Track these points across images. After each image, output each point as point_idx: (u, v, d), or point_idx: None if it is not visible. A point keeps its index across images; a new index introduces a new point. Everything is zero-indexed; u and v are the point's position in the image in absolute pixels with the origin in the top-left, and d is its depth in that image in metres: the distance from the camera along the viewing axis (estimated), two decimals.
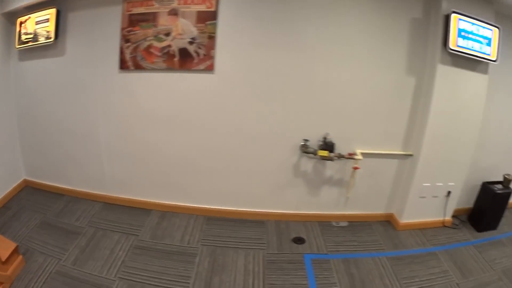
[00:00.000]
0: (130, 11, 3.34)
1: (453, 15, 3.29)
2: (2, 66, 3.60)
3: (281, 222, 3.85)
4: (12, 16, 3.54)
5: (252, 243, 3.50)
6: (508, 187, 4.22)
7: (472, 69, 3.55)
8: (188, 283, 2.94)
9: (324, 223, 3.95)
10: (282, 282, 3.06)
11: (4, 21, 3.53)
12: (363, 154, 3.66)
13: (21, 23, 3.53)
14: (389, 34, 3.43)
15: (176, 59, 3.36)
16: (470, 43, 3.41)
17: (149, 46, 3.37)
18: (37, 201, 3.90)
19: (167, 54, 3.36)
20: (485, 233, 4.23)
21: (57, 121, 3.71)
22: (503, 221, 4.44)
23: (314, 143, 3.60)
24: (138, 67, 3.42)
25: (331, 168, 3.77)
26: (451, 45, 3.33)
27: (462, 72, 3.52)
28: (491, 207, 4.17)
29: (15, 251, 2.89)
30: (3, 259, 2.73)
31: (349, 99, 3.56)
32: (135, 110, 3.52)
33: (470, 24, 3.40)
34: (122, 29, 3.36)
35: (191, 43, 3.31)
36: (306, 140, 3.57)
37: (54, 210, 3.75)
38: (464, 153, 3.86)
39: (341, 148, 3.63)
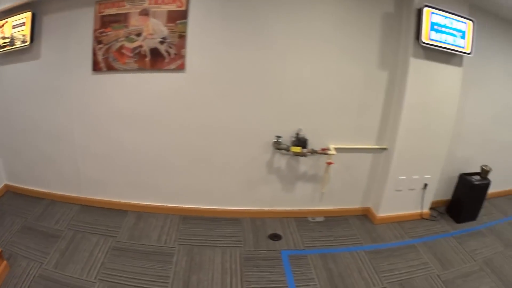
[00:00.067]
0: (102, 12, 3.28)
1: (425, 9, 3.27)
2: None
3: (257, 219, 3.80)
4: None
5: (229, 241, 3.44)
6: (486, 178, 4.20)
7: (446, 62, 3.52)
8: (167, 282, 2.89)
9: (300, 219, 3.90)
10: (260, 279, 3.01)
11: None
12: (336, 149, 3.62)
13: None
14: (360, 29, 3.40)
15: (147, 59, 3.30)
16: (443, 36, 3.38)
17: (121, 47, 3.31)
18: (18, 205, 3.82)
19: (138, 55, 3.30)
20: (464, 224, 4.22)
21: (34, 125, 3.64)
22: (483, 211, 4.43)
23: (287, 139, 3.56)
24: (110, 68, 3.36)
25: (305, 164, 3.72)
26: (424, 38, 3.30)
27: (435, 65, 3.49)
28: (470, 198, 4.15)
29: (0, 257, 2.83)
30: None
31: (321, 94, 3.51)
32: (109, 111, 3.46)
33: (443, 17, 3.37)
34: (95, 30, 3.29)
35: (162, 42, 3.25)
36: (278, 137, 3.52)
37: (35, 214, 3.68)
38: (440, 146, 3.84)
39: (314, 143, 3.59)
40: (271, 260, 3.25)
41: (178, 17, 3.21)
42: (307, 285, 3.02)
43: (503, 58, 4.19)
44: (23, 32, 3.31)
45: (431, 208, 4.24)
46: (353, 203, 4.06)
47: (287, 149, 3.50)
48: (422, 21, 3.27)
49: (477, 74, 3.99)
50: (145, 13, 3.22)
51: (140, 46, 3.28)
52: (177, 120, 3.44)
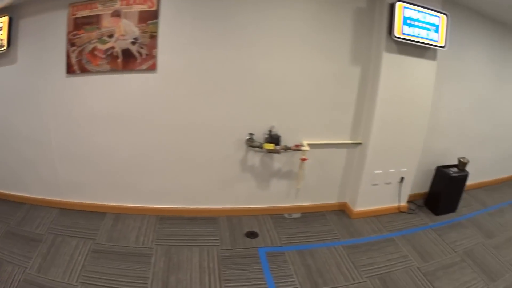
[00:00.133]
0: (75, 14, 3.20)
1: (398, 4, 3.24)
2: None
3: (233, 218, 3.73)
4: None
5: (206, 240, 3.37)
6: (463, 170, 4.15)
7: (420, 55, 3.49)
8: (146, 283, 2.82)
9: (276, 216, 3.83)
10: (238, 277, 2.94)
11: None
12: (310, 145, 3.56)
13: None
14: (333, 25, 3.36)
15: (119, 60, 3.22)
16: (416, 31, 3.35)
17: (94, 49, 3.23)
18: (1, 211, 3.72)
19: (111, 56, 3.22)
20: (443, 216, 4.18)
21: (12, 129, 3.55)
22: (462, 203, 4.39)
23: (260, 136, 3.49)
24: (84, 71, 3.28)
25: (279, 161, 3.66)
26: (396, 33, 3.27)
27: (409, 59, 3.47)
28: (448, 190, 4.10)
29: None
30: None
31: (293, 91, 3.46)
32: (84, 114, 3.38)
33: (416, 12, 3.33)
34: (68, 33, 3.21)
35: (133, 43, 3.18)
36: (251, 134, 3.45)
37: (16, 219, 3.59)
38: (415, 139, 3.80)
39: (287, 140, 3.53)
40: (248, 258, 3.18)
41: (149, 18, 3.14)
42: (286, 281, 2.95)
43: (478, 51, 4.18)
44: (1, 37, 3.22)
45: (409, 201, 4.20)
46: (330, 199, 4.00)
47: (260, 147, 3.43)
48: (394, 16, 3.23)
49: (453, 67, 3.97)
50: (116, 14, 3.15)
51: (112, 47, 3.21)
52: (150, 121, 3.37)
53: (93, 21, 3.18)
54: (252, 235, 3.46)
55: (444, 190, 4.10)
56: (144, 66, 3.22)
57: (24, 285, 2.73)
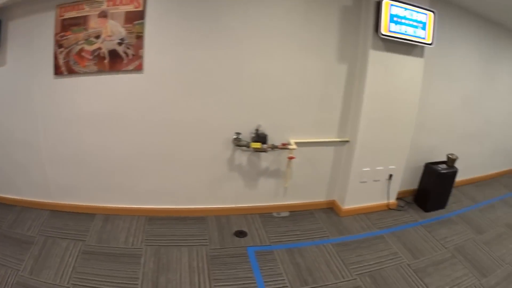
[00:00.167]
0: (63, 16, 3.14)
1: (384, 1, 3.19)
2: None
3: (221, 217, 3.67)
4: None
5: (195, 240, 3.31)
6: (452, 166, 4.11)
7: (407, 53, 3.45)
8: (137, 284, 2.77)
9: (265, 215, 3.78)
10: (228, 277, 2.89)
11: None
12: (297, 143, 3.52)
13: None
14: (319, 23, 3.32)
15: (106, 61, 3.16)
16: (403, 28, 3.31)
17: (81, 50, 3.17)
18: None
19: (97, 57, 3.16)
20: (433, 212, 4.13)
21: (3, 131, 3.49)
22: (452, 199, 4.35)
23: (247, 135, 3.44)
24: (71, 72, 3.22)
25: (266, 160, 3.61)
26: (383, 30, 3.23)
27: (396, 56, 3.43)
28: (437, 187, 4.07)
29: None
30: None
31: (281, 90, 3.41)
32: (72, 115, 3.32)
33: (403, 9, 3.29)
34: (56, 34, 3.15)
35: (120, 44, 3.13)
36: (238, 133, 3.40)
37: (8, 221, 3.52)
38: (403, 136, 3.76)
39: (274, 139, 3.48)
40: (237, 257, 3.13)
41: (136, 18, 3.08)
42: (275, 280, 2.90)
43: (466, 48, 4.16)
44: None
45: (398, 198, 4.16)
46: (318, 197, 3.95)
47: (247, 146, 3.37)
48: (381, 13, 3.18)
49: (441, 64, 3.95)
50: (103, 15, 3.09)
51: (99, 48, 3.15)
52: (137, 121, 3.31)
53: (80, 22, 3.12)
54: (241, 234, 3.40)
55: (433, 186, 4.06)
56: (130, 67, 3.16)
57: None
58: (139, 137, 3.36)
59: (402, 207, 4.16)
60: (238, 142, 3.38)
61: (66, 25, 3.13)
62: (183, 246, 3.22)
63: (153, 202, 3.58)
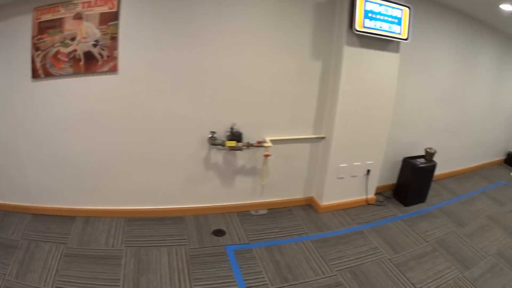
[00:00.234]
0: (39, 18, 3.02)
1: None
2: None
3: (200, 216, 3.55)
4: None
5: (174, 240, 3.19)
6: (431, 160, 3.99)
7: (382, 48, 3.36)
8: (118, 285, 2.66)
9: (243, 213, 3.65)
10: (208, 276, 2.78)
11: None
12: (273, 141, 3.42)
13: None
14: (292, 21, 3.22)
15: (81, 63, 3.05)
16: (378, 24, 3.19)
17: (57, 53, 3.06)
18: None
19: (73, 59, 3.05)
20: (413, 206, 4.01)
21: None
22: (432, 193, 4.24)
23: (222, 134, 3.33)
24: (48, 75, 3.10)
25: (242, 158, 3.50)
26: (357, 26, 3.12)
27: (371, 52, 3.35)
28: (416, 181, 3.95)
29: None
30: None
31: (255, 88, 3.31)
32: (50, 118, 3.19)
33: (378, 5, 3.19)
34: (33, 37, 3.03)
35: (95, 45, 3.01)
36: (213, 132, 3.28)
37: None
38: (380, 131, 3.67)
39: (249, 137, 3.37)
40: (216, 256, 3.01)
41: (110, 19, 2.97)
42: (255, 278, 2.79)
43: (444, 42, 4.08)
44: None
45: (377, 193, 4.05)
46: (296, 194, 3.85)
47: (223, 144, 3.26)
48: (355, 10, 3.07)
49: (418, 59, 3.87)
50: (78, 17, 2.98)
51: (75, 50, 3.04)
52: (113, 122, 3.19)
53: (56, 24, 3.00)
54: (219, 233, 3.29)
55: (412, 181, 3.95)
56: (105, 68, 3.05)
57: None
58: (115, 138, 3.23)
59: (382, 202, 4.04)
60: (213, 141, 3.26)
61: (42, 28, 3.01)
62: (163, 247, 3.10)
63: (132, 203, 3.46)
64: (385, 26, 3.23)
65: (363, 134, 3.61)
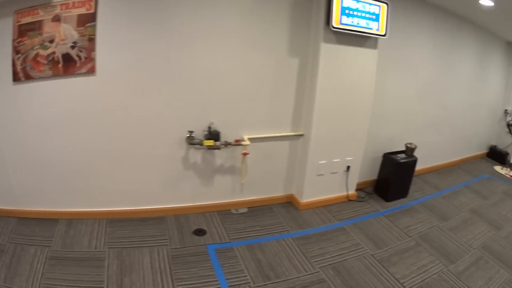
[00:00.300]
0: (20, 21, 2.91)
1: None
2: None
3: (180, 216, 3.41)
4: None
5: (155, 240, 3.06)
6: (412, 155, 3.86)
7: (360, 45, 3.25)
8: (103, 287, 2.55)
9: (223, 212, 3.53)
10: (190, 276, 2.66)
11: None
12: (251, 139, 3.31)
13: None
14: (268, 18, 3.12)
15: (60, 65, 2.93)
16: (355, 20, 3.07)
17: (36, 55, 2.94)
18: None
19: (52, 61, 2.93)
20: (395, 202, 3.89)
21: None
22: (414, 188, 4.12)
23: (200, 133, 3.21)
24: (28, 78, 2.98)
25: (221, 157, 3.38)
26: (334, 23, 3.00)
27: (348, 48, 3.26)
28: (396, 176, 3.84)
29: None
30: None
31: (231, 87, 3.20)
32: (31, 121, 3.06)
33: (355, 1, 3.08)
34: (13, 40, 2.92)
35: (73, 47, 2.90)
36: (191, 132, 3.16)
37: None
38: (359, 127, 3.58)
39: (227, 135, 3.25)
40: (198, 255, 2.90)
41: (88, 20, 2.86)
42: (237, 277, 2.68)
43: (423, 38, 3.98)
44: None
45: (358, 189, 3.93)
46: (276, 191, 3.73)
47: (201, 144, 3.15)
48: (332, 6, 2.94)
49: (397, 54, 3.78)
50: (57, 19, 2.86)
51: (53, 53, 2.92)
52: (93, 124, 3.06)
53: (35, 27, 2.88)
54: (200, 232, 3.17)
55: (393, 176, 3.83)
56: (83, 70, 2.93)
57: None
58: (95, 140, 3.11)
59: (363, 198, 3.91)
60: (191, 141, 3.14)
61: (22, 31, 2.89)
62: (145, 247, 2.98)
63: (113, 204, 3.33)
64: (363, 22, 3.12)
65: (342, 131, 3.52)
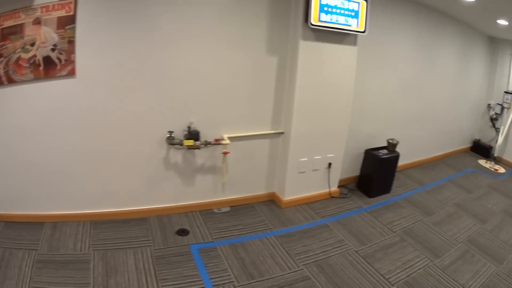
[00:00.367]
0: (2, 25, 2.80)
1: None
2: None
3: (163, 217, 3.30)
4: None
5: (139, 241, 2.95)
6: (394, 151, 3.74)
7: (339, 42, 3.17)
8: None
9: (205, 211, 3.41)
10: (174, 276, 2.57)
11: None
12: (231, 138, 3.20)
13: None
14: (247, 16, 3.02)
15: (41, 68, 2.83)
16: (334, 17, 2.95)
17: (18, 58, 2.84)
18: None
19: (33, 64, 2.83)
20: (378, 198, 3.79)
21: None
22: (397, 183, 4.01)
23: (180, 133, 3.10)
24: (11, 81, 2.88)
25: (201, 156, 3.27)
26: (313, 20, 2.88)
27: (327, 46, 3.19)
28: (379, 172, 3.74)
29: None
30: None
31: (210, 86, 3.09)
32: (15, 125, 2.92)
33: None
34: None
35: (53, 50, 2.80)
36: (171, 132, 3.05)
37: None
38: (340, 124, 3.50)
39: (207, 135, 3.14)
40: (181, 255, 2.80)
41: (67, 23, 2.76)
42: (221, 276, 2.59)
43: (403, 34, 3.88)
44: None
45: (341, 186, 3.82)
46: (258, 190, 3.62)
47: (181, 144, 3.04)
48: (310, 4, 2.82)
49: (378, 51, 3.71)
50: (37, 21, 2.76)
51: (34, 56, 2.82)
52: (74, 125, 2.94)
53: (17, 30, 2.77)
54: (183, 232, 3.07)
55: (375, 172, 3.73)
56: (64, 72, 2.83)
57: None
58: (76, 141, 2.99)
59: (346, 194, 3.79)
60: (171, 141, 3.04)
61: (5, 34, 2.77)
62: (128, 248, 2.87)
63: (96, 206, 3.21)
64: (342, 19, 3.04)
65: (322, 128, 3.43)
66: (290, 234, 3.11)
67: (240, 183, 3.49)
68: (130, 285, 2.49)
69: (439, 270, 2.77)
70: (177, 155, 3.18)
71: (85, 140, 2.98)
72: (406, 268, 2.78)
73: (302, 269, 2.70)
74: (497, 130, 5.45)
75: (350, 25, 3.08)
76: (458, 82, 5.08)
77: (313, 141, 3.42)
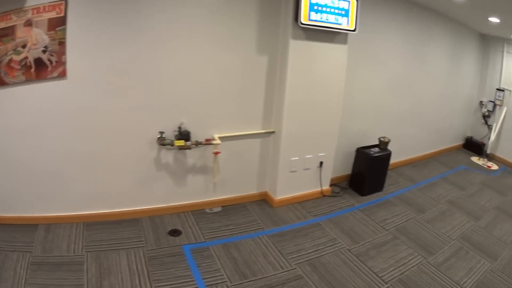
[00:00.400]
0: None
1: None
2: None
3: (155, 217, 3.26)
4: None
5: (131, 242, 2.91)
6: (385, 149, 3.68)
7: (329, 40, 3.13)
8: None
9: (197, 212, 3.36)
10: (167, 277, 2.53)
11: None
12: (222, 138, 3.17)
13: None
14: (236, 16, 2.99)
15: (32, 70, 2.79)
16: (324, 16, 2.91)
17: (10, 61, 2.80)
18: None
19: (25, 66, 2.79)
20: (370, 196, 3.73)
21: None
22: (389, 181, 3.96)
23: (171, 134, 3.06)
24: (2, 84, 2.83)
25: (192, 157, 3.23)
26: (303, 19, 2.85)
27: (318, 44, 3.16)
28: (371, 170, 3.69)
29: None
30: None
31: (200, 86, 3.05)
32: (7, 126, 2.86)
33: None
34: None
35: (44, 51, 2.76)
36: (162, 132, 3.01)
37: None
38: (331, 123, 3.47)
39: (198, 135, 3.10)
40: (174, 256, 2.76)
41: (58, 24, 2.71)
42: (214, 276, 2.56)
43: (393, 32, 3.86)
44: None
45: (333, 185, 3.79)
46: (249, 189, 3.57)
47: (171, 144, 3.00)
48: (300, 2, 2.78)
49: (368, 49, 3.68)
50: (28, 23, 2.72)
51: (26, 58, 2.78)
52: (66, 127, 2.89)
53: (8, 32, 2.72)
54: (175, 233, 3.03)
55: (367, 170, 3.68)
56: (55, 74, 2.79)
57: None
58: (67, 143, 2.94)
59: (338, 193, 3.74)
60: (162, 141, 3.00)
61: None
62: (121, 250, 2.83)
63: (88, 207, 3.16)
64: (332, 18, 3.01)
65: (313, 127, 3.40)
66: (282, 233, 3.07)
67: (232, 183, 3.45)
68: (123, 286, 2.45)
69: (433, 268, 2.74)
70: (168, 156, 3.14)
71: (76, 141, 2.93)
72: (399, 266, 2.75)
73: (294, 268, 2.67)
74: (490, 127, 5.41)
75: (340, 24, 3.03)
76: (450, 80, 5.05)
77: (304, 140, 3.39)
